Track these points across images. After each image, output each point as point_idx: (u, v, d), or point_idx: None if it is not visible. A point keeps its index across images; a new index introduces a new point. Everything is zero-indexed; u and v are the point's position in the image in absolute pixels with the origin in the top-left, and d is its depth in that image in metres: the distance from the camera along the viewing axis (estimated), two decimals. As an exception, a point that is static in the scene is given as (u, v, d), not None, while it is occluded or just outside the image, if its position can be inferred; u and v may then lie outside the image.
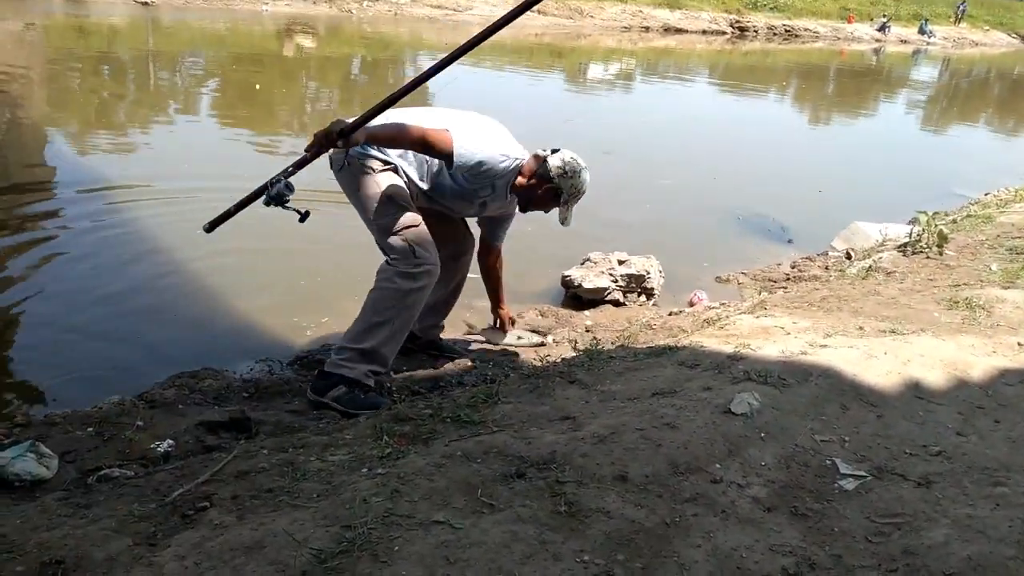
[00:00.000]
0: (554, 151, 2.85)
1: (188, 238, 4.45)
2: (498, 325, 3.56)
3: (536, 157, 2.85)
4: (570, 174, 2.80)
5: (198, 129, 7.48)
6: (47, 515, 1.81)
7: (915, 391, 2.35)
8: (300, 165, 2.61)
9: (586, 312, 4.08)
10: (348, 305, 3.81)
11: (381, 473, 1.87)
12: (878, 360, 2.49)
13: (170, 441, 2.33)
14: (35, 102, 7.85)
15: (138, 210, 4.85)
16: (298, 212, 2.61)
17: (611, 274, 4.20)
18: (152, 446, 2.31)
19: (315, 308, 3.83)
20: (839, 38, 29.14)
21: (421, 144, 2.67)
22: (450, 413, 2.24)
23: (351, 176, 2.83)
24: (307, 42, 15.04)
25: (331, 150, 2.62)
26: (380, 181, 2.78)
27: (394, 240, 2.73)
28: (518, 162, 2.83)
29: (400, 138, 2.66)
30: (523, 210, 2.99)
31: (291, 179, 2.58)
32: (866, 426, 2.14)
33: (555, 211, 2.94)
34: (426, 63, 14.27)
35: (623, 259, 4.29)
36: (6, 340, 3.39)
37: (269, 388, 2.85)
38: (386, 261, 2.77)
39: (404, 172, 2.86)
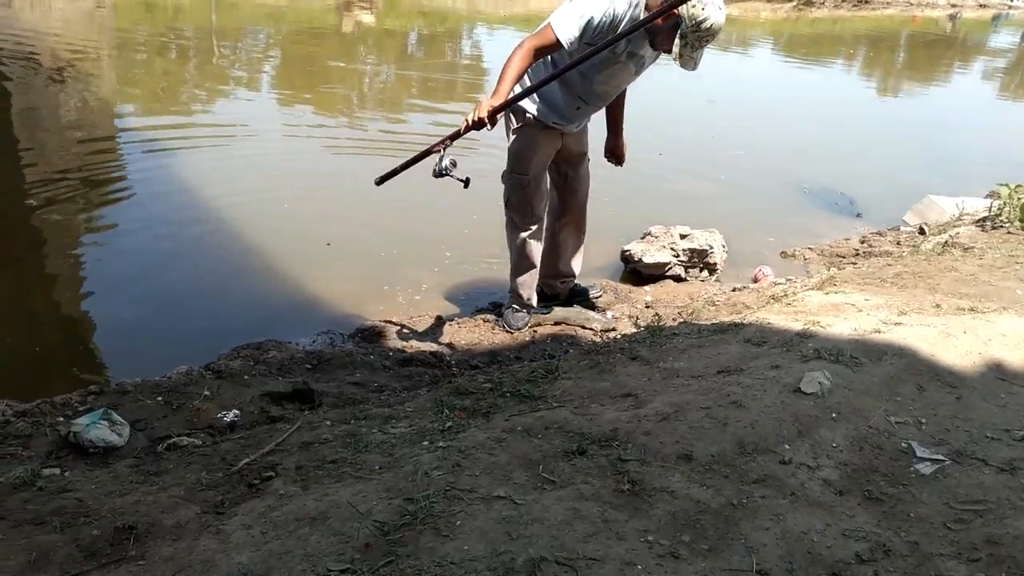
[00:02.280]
0: None
1: (253, 212, 4.55)
2: (610, 156, 3.44)
3: None
4: (694, 2, 2.57)
5: (261, 105, 7.58)
6: (119, 482, 1.86)
7: (996, 372, 2.23)
8: (455, 138, 2.84)
9: (646, 287, 4.01)
10: (410, 276, 3.87)
11: (442, 447, 1.86)
12: (956, 339, 2.38)
13: (236, 411, 2.37)
14: (105, 78, 8.05)
15: (205, 186, 4.94)
16: (461, 180, 2.80)
17: (672, 248, 4.11)
18: (219, 415, 2.36)
19: (377, 280, 3.86)
20: (912, 3, 27.87)
21: (532, 55, 2.76)
22: (510, 388, 2.23)
23: (506, 122, 3.08)
24: (366, 17, 15.07)
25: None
26: (513, 139, 3.11)
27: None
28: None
29: (517, 68, 2.74)
30: (652, 46, 2.81)
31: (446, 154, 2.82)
32: (944, 408, 2.04)
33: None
34: (483, 35, 14.22)
35: (685, 233, 4.20)
36: (80, 311, 3.51)
37: (331, 360, 2.88)
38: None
39: (543, 114, 3.00)
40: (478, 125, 2.71)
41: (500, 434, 1.90)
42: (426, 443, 1.91)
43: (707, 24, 2.60)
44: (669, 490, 1.67)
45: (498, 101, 2.72)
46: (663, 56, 2.85)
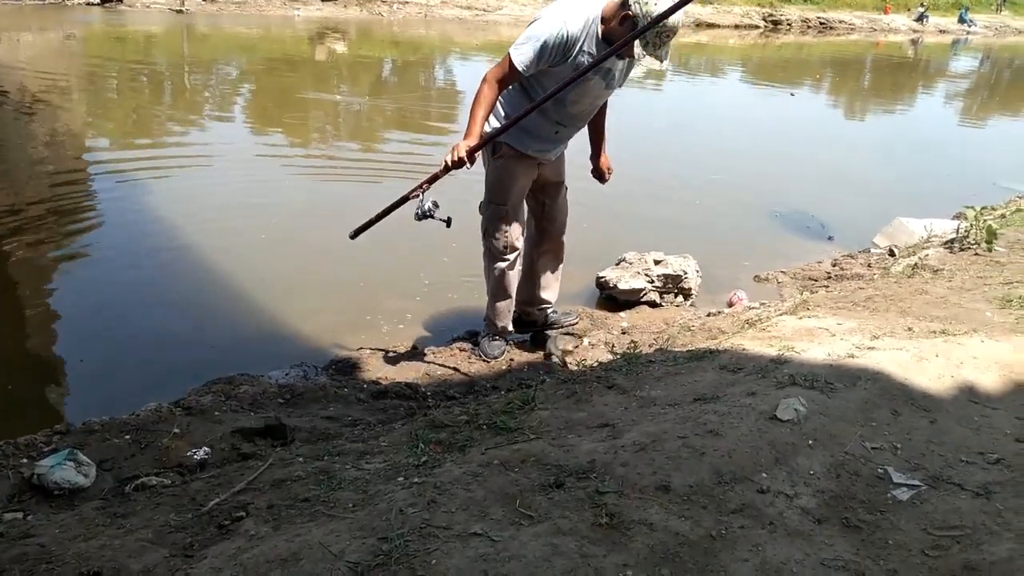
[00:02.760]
0: None
1: (224, 243, 4.50)
2: (596, 174, 3.42)
3: (615, 1, 2.74)
4: (645, 1, 2.61)
5: (235, 134, 7.54)
6: (85, 525, 1.80)
7: (969, 395, 2.25)
8: (433, 180, 2.89)
9: (622, 314, 4.01)
10: (387, 306, 3.84)
11: (417, 482, 1.83)
12: (929, 363, 2.40)
13: (206, 448, 2.32)
14: (75, 110, 7.98)
15: (176, 216, 4.90)
16: (443, 220, 2.88)
17: (647, 274, 4.13)
18: (188, 453, 2.31)
19: (350, 312, 3.84)
20: (875, 29, 28.60)
21: (497, 86, 2.82)
22: (486, 420, 2.20)
23: (483, 152, 3.07)
24: (339, 46, 15.13)
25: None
26: (490, 169, 3.14)
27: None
28: (591, 15, 2.74)
29: (486, 103, 2.82)
30: (618, 57, 2.82)
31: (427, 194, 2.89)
32: (919, 432, 2.05)
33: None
34: (456, 64, 14.32)
35: (659, 259, 4.22)
36: (45, 346, 3.44)
37: (304, 393, 2.84)
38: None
39: (521, 143, 3.03)
40: (458, 165, 2.77)
41: (476, 468, 1.87)
42: (401, 479, 1.88)
43: (661, 18, 2.60)
44: (647, 522, 1.65)
45: (474, 140, 2.79)
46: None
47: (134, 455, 2.30)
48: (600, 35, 2.76)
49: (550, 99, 2.82)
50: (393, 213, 3.01)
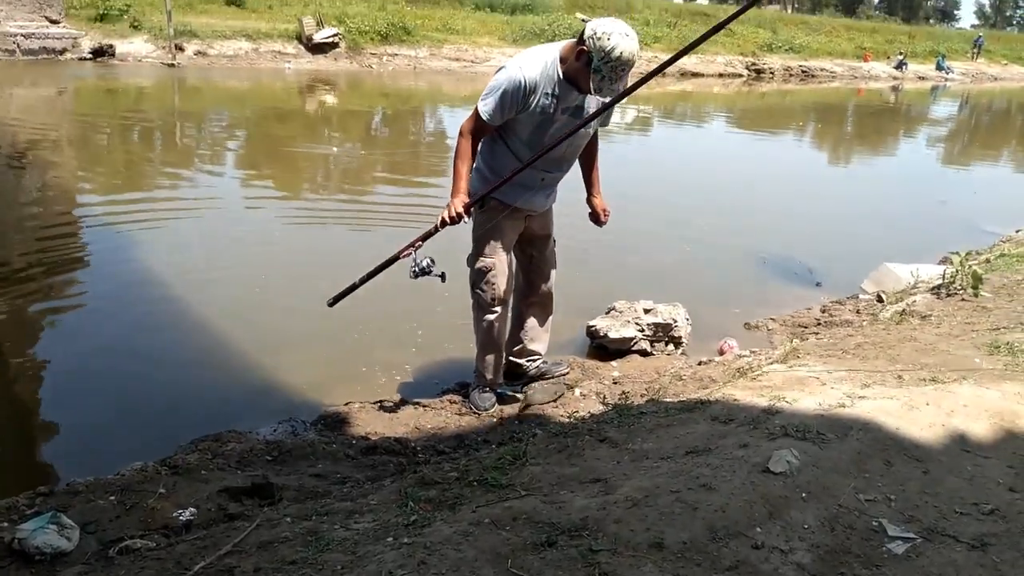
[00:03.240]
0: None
1: (213, 296, 4.49)
2: (592, 218, 3.36)
3: (573, 40, 2.81)
4: (599, 35, 2.65)
5: (225, 189, 7.57)
6: (66, 592, 1.76)
7: (961, 444, 2.25)
8: (427, 238, 2.96)
9: (613, 363, 4.00)
10: (377, 358, 3.81)
11: (407, 543, 1.80)
12: (920, 411, 2.40)
13: (192, 509, 2.28)
14: (65, 163, 8.02)
15: (165, 268, 4.89)
16: (438, 276, 2.97)
17: (637, 323, 4.13)
18: (174, 514, 2.27)
19: (341, 364, 3.81)
20: (856, 77, 29.24)
21: (471, 138, 2.92)
22: (476, 476, 2.18)
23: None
24: (329, 98, 15.34)
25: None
26: (475, 222, 3.16)
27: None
28: (548, 58, 2.81)
29: (465, 157, 2.93)
30: (580, 91, 2.86)
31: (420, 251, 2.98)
32: (912, 483, 2.04)
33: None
34: (445, 114, 14.52)
35: (649, 307, 4.23)
36: (29, 403, 3.39)
37: (292, 451, 2.81)
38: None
39: (507, 196, 3.03)
40: (455, 221, 2.89)
41: (467, 527, 1.85)
42: (390, 539, 1.85)
43: (616, 54, 2.66)
44: (642, 582, 1.63)
45: (464, 195, 2.90)
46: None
47: (119, 517, 2.25)
48: (561, 75, 2.82)
49: (525, 145, 2.93)
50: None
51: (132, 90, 14.12)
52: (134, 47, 17.31)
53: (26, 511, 2.26)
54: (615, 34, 2.66)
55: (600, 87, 2.74)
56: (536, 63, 2.81)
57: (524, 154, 2.98)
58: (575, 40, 2.78)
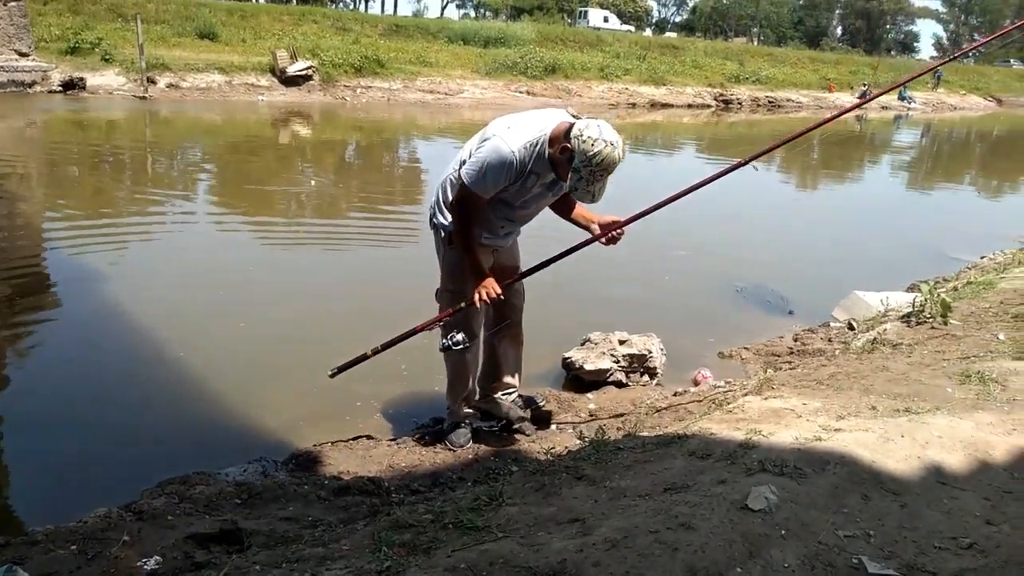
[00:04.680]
0: (593, 118, 2.82)
1: (179, 335, 4.41)
2: (596, 232, 3.20)
3: (571, 119, 2.85)
4: (584, 138, 2.69)
5: (194, 221, 7.49)
6: (21, 652, 1.68)
7: (937, 476, 2.24)
8: (455, 313, 3.08)
9: (589, 395, 3.98)
10: (350, 392, 3.74)
11: (380, 591, 1.75)
12: (895, 443, 2.39)
13: (157, 558, 2.20)
14: (33, 199, 7.88)
15: (130, 307, 4.79)
16: (466, 346, 3.13)
17: (612, 355, 4.12)
18: (138, 563, 2.19)
19: (315, 399, 3.74)
20: (821, 107, 29.85)
21: (469, 211, 2.95)
22: (452, 518, 2.13)
23: (436, 241, 3.21)
24: (303, 130, 15.32)
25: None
26: (446, 256, 3.16)
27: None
28: (538, 137, 2.82)
29: (469, 231, 2.99)
30: (557, 176, 2.90)
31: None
32: (890, 517, 2.03)
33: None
34: (420, 145, 14.56)
35: (624, 339, 4.22)
36: (-10, 448, 3.28)
37: (262, 493, 2.73)
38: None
39: (481, 236, 3.09)
40: (494, 300, 2.98)
41: (442, 574, 1.80)
42: (363, 588, 1.80)
43: (598, 159, 2.70)
44: (621, 628, 1.59)
45: (487, 274, 2.99)
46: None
47: (80, 567, 2.17)
48: (547, 156, 2.84)
49: (500, 200, 2.99)
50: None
51: (103, 122, 13.98)
52: (105, 80, 17.20)
53: (-19, 564, 2.16)
54: (599, 141, 2.70)
55: (576, 186, 2.79)
56: (527, 143, 2.81)
57: (498, 209, 3.02)
58: (566, 127, 2.80)
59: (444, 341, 3.11)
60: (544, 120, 2.88)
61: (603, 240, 3.15)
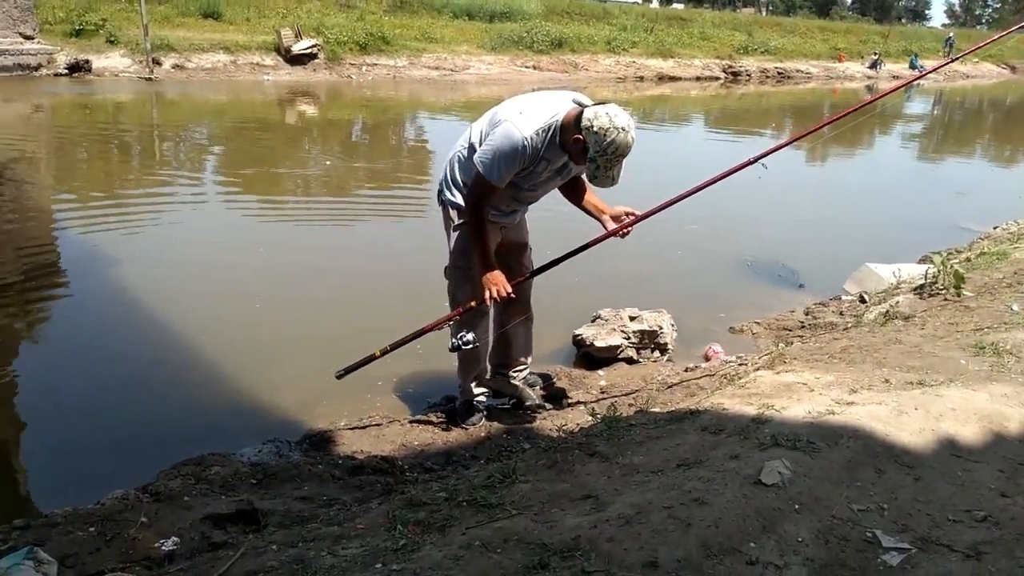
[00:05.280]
0: (600, 103, 2.80)
1: (192, 316, 4.43)
2: (608, 226, 3.23)
3: (579, 106, 2.83)
4: (596, 129, 2.70)
5: (204, 202, 7.50)
6: (44, 632, 1.71)
7: (951, 448, 2.24)
8: (467, 312, 3.12)
9: (600, 372, 3.98)
10: (363, 373, 3.75)
11: (396, 569, 1.76)
12: (909, 416, 2.39)
13: (175, 538, 2.23)
14: (41, 182, 7.90)
15: (142, 285, 4.81)
16: (477, 345, 3.18)
17: (623, 331, 4.12)
18: (156, 544, 2.22)
19: (329, 379, 3.75)
20: (831, 77, 29.51)
21: (483, 208, 2.96)
22: (466, 496, 2.14)
23: (444, 218, 3.19)
24: (309, 109, 15.26)
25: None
26: (455, 236, 3.14)
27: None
28: (551, 123, 2.81)
29: (482, 227, 2.98)
30: (574, 161, 2.93)
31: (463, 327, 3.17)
32: (904, 491, 2.02)
33: None
34: (426, 123, 14.49)
35: (634, 315, 4.21)
36: (4, 431, 3.32)
37: (278, 473, 2.75)
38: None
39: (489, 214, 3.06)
40: (505, 298, 3.01)
41: (457, 551, 1.81)
42: (379, 566, 1.81)
43: (613, 148, 2.73)
44: (636, 603, 1.60)
45: (497, 270, 3.00)
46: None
47: (99, 549, 2.20)
48: (559, 142, 2.84)
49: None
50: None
51: (110, 105, 13.96)
52: (111, 62, 17.13)
53: (1, 547, 2.19)
54: (611, 130, 2.71)
55: (595, 175, 2.80)
56: (539, 130, 2.80)
57: (505, 191, 3.01)
58: (576, 114, 2.79)
59: (454, 341, 3.14)
60: (555, 104, 2.86)
61: (620, 235, 3.20)
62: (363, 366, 3.15)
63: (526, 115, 2.82)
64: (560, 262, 3.21)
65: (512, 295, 3.01)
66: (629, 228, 3.17)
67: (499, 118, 2.87)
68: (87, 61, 16.74)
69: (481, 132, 2.95)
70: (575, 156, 2.86)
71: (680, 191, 3.25)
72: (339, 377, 3.17)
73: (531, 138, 2.79)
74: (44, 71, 16.20)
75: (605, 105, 2.78)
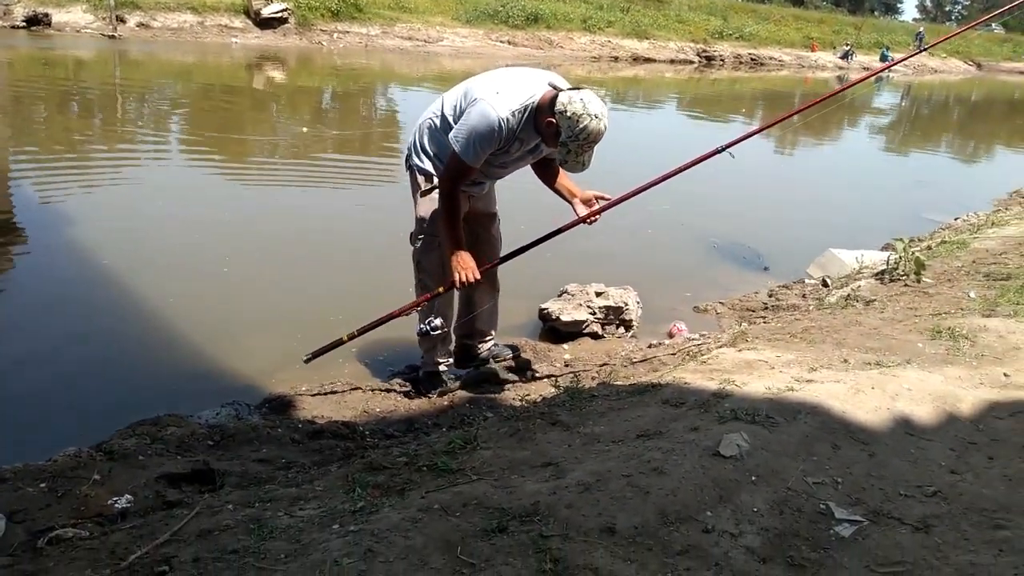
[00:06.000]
0: (574, 88, 2.80)
1: (151, 278, 4.34)
2: (578, 211, 3.23)
3: (554, 89, 2.82)
4: (569, 114, 2.70)
5: (166, 165, 7.33)
6: (-11, 586, 1.67)
7: (905, 427, 2.28)
8: (435, 297, 3.11)
9: (564, 346, 3.99)
10: (326, 338, 3.71)
11: (354, 530, 1.75)
12: (865, 395, 2.43)
13: (128, 496, 2.19)
14: (-3, 135, 7.66)
15: (100, 249, 4.69)
16: (440, 331, 3.19)
17: (589, 306, 4.13)
18: (109, 502, 2.17)
19: (290, 344, 3.71)
20: (803, 66, 29.76)
21: (457, 188, 2.93)
22: (426, 461, 2.14)
23: (412, 183, 3.17)
24: (277, 74, 14.96)
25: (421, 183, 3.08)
26: (422, 201, 3.11)
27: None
28: (527, 103, 2.80)
29: (455, 211, 2.95)
30: (545, 143, 2.93)
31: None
32: (858, 466, 2.06)
33: None
34: (398, 94, 14.30)
35: (600, 291, 4.23)
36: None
37: (235, 435, 2.72)
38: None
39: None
40: (472, 282, 2.96)
41: (416, 514, 1.80)
42: (336, 527, 1.80)
43: (584, 134, 2.73)
44: (593, 567, 1.61)
45: (465, 252, 2.96)
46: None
47: (49, 505, 2.15)
48: (533, 123, 2.84)
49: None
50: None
51: (70, 61, 13.55)
52: (72, 17, 16.63)
53: (-52, 501, 2.14)
54: (584, 116, 2.70)
55: (565, 159, 2.81)
56: (515, 111, 2.78)
57: (475, 188, 3.06)
58: (551, 96, 2.78)
59: (422, 327, 3.13)
60: (532, 85, 2.84)
61: (588, 221, 3.19)
62: (331, 350, 3.15)
63: (503, 95, 2.79)
64: (528, 249, 3.20)
65: (480, 280, 2.99)
66: (597, 216, 3.18)
67: (474, 95, 2.83)
68: (46, 15, 16.23)
69: (455, 106, 2.91)
70: (547, 139, 2.86)
71: (651, 176, 3.25)
72: (307, 361, 3.18)
73: (507, 119, 2.77)
74: (0, 23, 15.66)
75: (580, 90, 2.77)
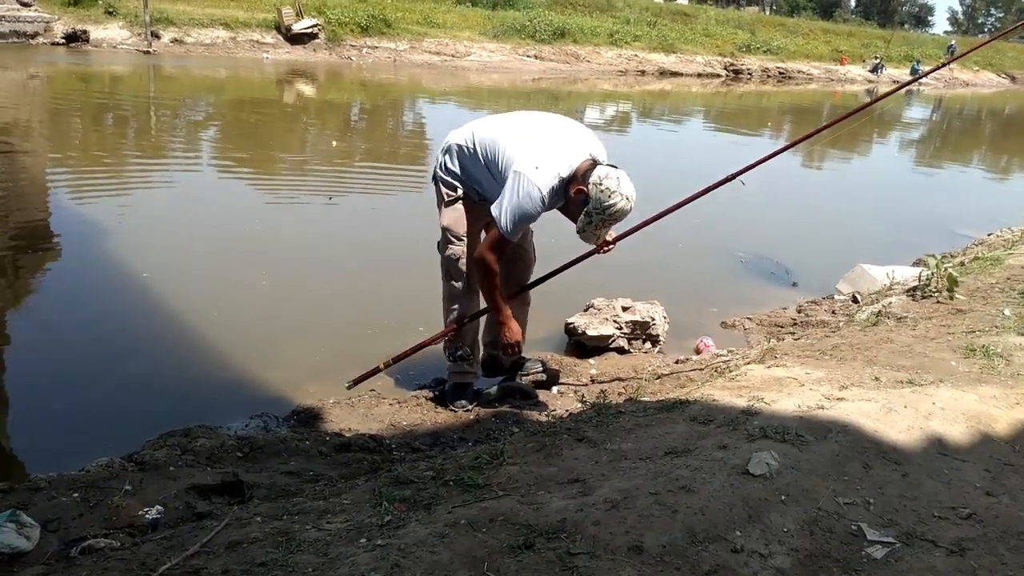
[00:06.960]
0: (611, 165, 2.86)
1: (185, 287, 4.40)
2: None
3: (591, 162, 2.89)
4: (603, 187, 2.78)
5: (199, 177, 7.45)
6: (24, 594, 1.70)
7: (939, 447, 2.24)
8: (460, 326, 3.29)
9: (591, 360, 3.98)
10: (344, 358, 3.74)
11: (381, 544, 1.76)
12: (898, 414, 2.39)
13: (159, 507, 2.22)
14: (36, 152, 7.82)
15: (135, 262, 4.77)
16: (467, 361, 3.38)
17: (615, 321, 4.11)
18: (140, 513, 2.20)
19: (312, 361, 3.74)
20: (832, 79, 29.54)
21: (495, 259, 3.00)
22: (453, 476, 2.14)
23: (437, 195, 3.26)
24: (307, 88, 15.17)
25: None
26: (446, 211, 3.19)
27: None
28: (566, 176, 2.87)
29: (495, 280, 3.07)
30: (568, 213, 3.01)
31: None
32: (891, 486, 2.03)
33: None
34: (425, 108, 14.42)
35: (627, 305, 4.21)
36: (-6, 397, 3.29)
37: (264, 447, 2.74)
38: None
39: (475, 193, 3.16)
40: (516, 347, 3.19)
41: (443, 529, 1.81)
42: (364, 540, 1.80)
43: (612, 211, 2.81)
44: (620, 586, 1.60)
45: (512, 319, 3.15)
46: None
47: (82, 515, 2.18)
48: (563, 191, 2.90)
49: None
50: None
51: (107, 76, 13.85)
52: (109, 33, 16.99)
53: (-16, 509, 2.18)
54: (616, 194, 2.79)
55: (584, 228, 2.90)
56: (554, 186, 2.86)
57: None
58: (588, 166, 2.85)
59: (450, 353, 3.27)
60: (569, 154, 2.90)
61: (602, 251, 3.23)
62: (370, 377, 3.24)
63: (542, 169, 2.84)
64: (549, 278, 3.32)
65: (521, 346, 3.19)
66: (612, 245, 3.22)
67: (514, 166, 2.86)
68: (85, 31, 16.61)
69: (486, 150, 2.98)
70: (572, 204, 2.91)
71: (669, 198, 3.29)
72: (349, 387, 3.25)
73: (548, 195, 2.85)
74: (41, 40, 16.07)
75: (617, 169, 2.84)
